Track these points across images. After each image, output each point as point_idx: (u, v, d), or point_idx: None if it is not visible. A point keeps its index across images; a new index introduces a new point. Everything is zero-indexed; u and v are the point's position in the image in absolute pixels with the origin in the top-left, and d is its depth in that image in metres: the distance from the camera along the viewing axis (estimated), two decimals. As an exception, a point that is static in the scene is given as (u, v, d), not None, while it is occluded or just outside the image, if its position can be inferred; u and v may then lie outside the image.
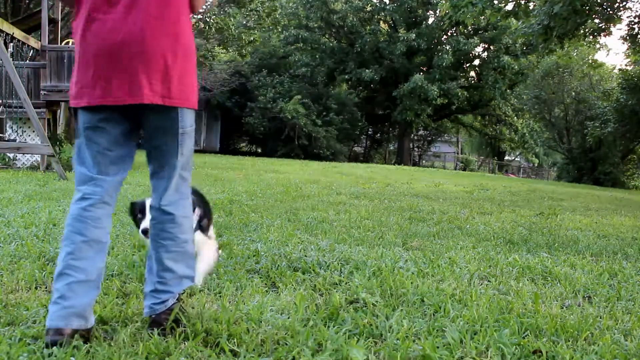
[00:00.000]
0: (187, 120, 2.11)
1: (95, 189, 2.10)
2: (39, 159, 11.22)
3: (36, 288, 2.66)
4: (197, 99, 2.19)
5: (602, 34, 13.71)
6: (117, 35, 1.97)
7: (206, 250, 2.89)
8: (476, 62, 31.77)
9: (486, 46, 30.61)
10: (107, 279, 2.81)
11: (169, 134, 2.09)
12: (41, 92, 10.82)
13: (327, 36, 31.13)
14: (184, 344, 2.06)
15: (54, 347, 1.89)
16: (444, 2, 13.33)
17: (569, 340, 2.29)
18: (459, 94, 28.16)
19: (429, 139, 40.92)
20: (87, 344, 1.95)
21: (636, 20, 15.05)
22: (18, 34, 10.37)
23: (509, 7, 13.12)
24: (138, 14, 1.98)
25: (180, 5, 2.07)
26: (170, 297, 2.18)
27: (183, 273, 2.20)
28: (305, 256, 3.60)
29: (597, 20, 13.08)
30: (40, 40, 11.29)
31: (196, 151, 24.99)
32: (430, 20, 30.33)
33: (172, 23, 2.03)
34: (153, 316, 2.18)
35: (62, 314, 1.94)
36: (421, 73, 28.65)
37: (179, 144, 2.10)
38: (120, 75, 1.98)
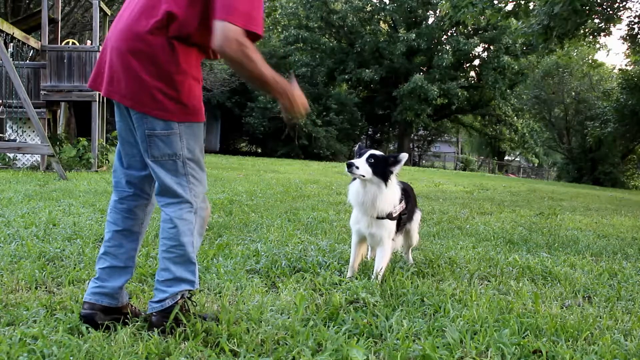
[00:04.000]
0: (155, 124, 2.09)
1: (123, 181, 2.27)
2: (39, 159, 11.22)
3: (36, 288, 2.66)
4: (172, 111, 2.08)
5: (602, 34, 13.71)
6: (110, 34, 2.18)
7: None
8: (476, 62, 31.76)
9: (486, 46, 30.59)
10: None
11: (138, 132, 2.14)
12: (41, 92, 10.81)
13: (327, 36, 31.11)
14: (184, 344, 2.06)
15: (56, 347, 1.91)
16: (444, 2, 13.31)
17: (569, 340, 2.29)
18: (459, 94, 28.15)
19: (429, 139, 40.91)
20: (116, 320, 2.19)
21: (636, 20, 15.06)
22: (18, 34, 10.37)
23: (509, 7, 13.11)
24: (127, 16, 2.12)
25: (158, 16, 2.05)
26: (168, 299, 2.17)
27: (180, 275, 2.18)
28: (305, 256, 3.60)
29: (597, 20, 13.07)
30: (40, 40, 11.29)
31: (196, 151, 24.97)
32: (430, 20, 30.31)
33: (143, 32, 2.04)
34: (152, 317, 2.18)
35: (95, 291, 2.22)
36: (421, 73, 28.64)
37: (147, 145, 2.12)
38: (102, 66, 2.17)
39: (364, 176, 2.99)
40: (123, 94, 2.08)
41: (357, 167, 2.97)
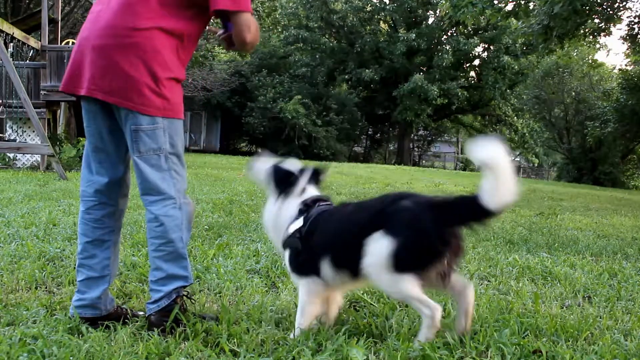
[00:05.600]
0: (141, 119, 2.10)
1: (90, 190, 2.26)
2: (39, 159, 11.22)
3: (36, 288, 2.66)
4: (157, 106, 2.11)
5: (602, 34, 13.69)
6: (88, 33, 2.15)
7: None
8: (476, 62, 31.74)
9: (486, 46, 30.57)
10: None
11: (125, 129, 2.15)
12: (41, 92, 10.82)
13: (327, 36, 31.09)
14: (184, 344, 2.06)
15: (56, 347, 1.92)
16: (444, 2, 13.33)
17: (569, 340, 2.28)
18: (459, 94, 28.14)
19: (429, 139, 40.88)
20: (105, 325, 2.19)
21: (636, 20, 15.03)
22: (18, 34, 10.37)
23: (509, 7, 13.10)
24: (109, 14, 2.11)
25: (145, 13, 2.06)
26: (164, 298, 2.17)
27: (173, 272, 2.18)
28: (305, 256, 3.59)
29: (597, 20, 13.05)
30: (40, 40, 11.29)
31: (196, 151, 25.08)
32: (430, 20, 30.31)
33: (127, 29, 2.06)
34: (151, 317, 2.18)
35: (77, 304, 2.25)
36: (421, 73, 28.62)
37: (132, 141, 2.14)
38: (79, 66, 2.14)
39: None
40: (107, 91, 2.08)
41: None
